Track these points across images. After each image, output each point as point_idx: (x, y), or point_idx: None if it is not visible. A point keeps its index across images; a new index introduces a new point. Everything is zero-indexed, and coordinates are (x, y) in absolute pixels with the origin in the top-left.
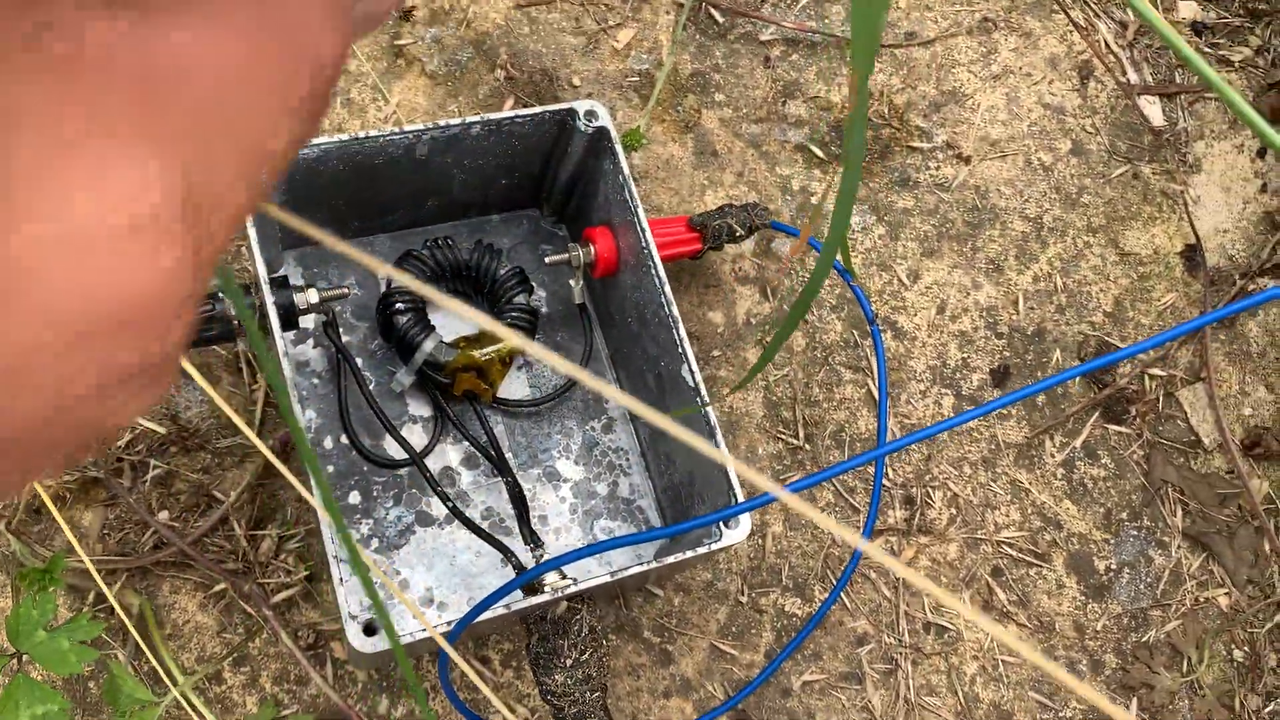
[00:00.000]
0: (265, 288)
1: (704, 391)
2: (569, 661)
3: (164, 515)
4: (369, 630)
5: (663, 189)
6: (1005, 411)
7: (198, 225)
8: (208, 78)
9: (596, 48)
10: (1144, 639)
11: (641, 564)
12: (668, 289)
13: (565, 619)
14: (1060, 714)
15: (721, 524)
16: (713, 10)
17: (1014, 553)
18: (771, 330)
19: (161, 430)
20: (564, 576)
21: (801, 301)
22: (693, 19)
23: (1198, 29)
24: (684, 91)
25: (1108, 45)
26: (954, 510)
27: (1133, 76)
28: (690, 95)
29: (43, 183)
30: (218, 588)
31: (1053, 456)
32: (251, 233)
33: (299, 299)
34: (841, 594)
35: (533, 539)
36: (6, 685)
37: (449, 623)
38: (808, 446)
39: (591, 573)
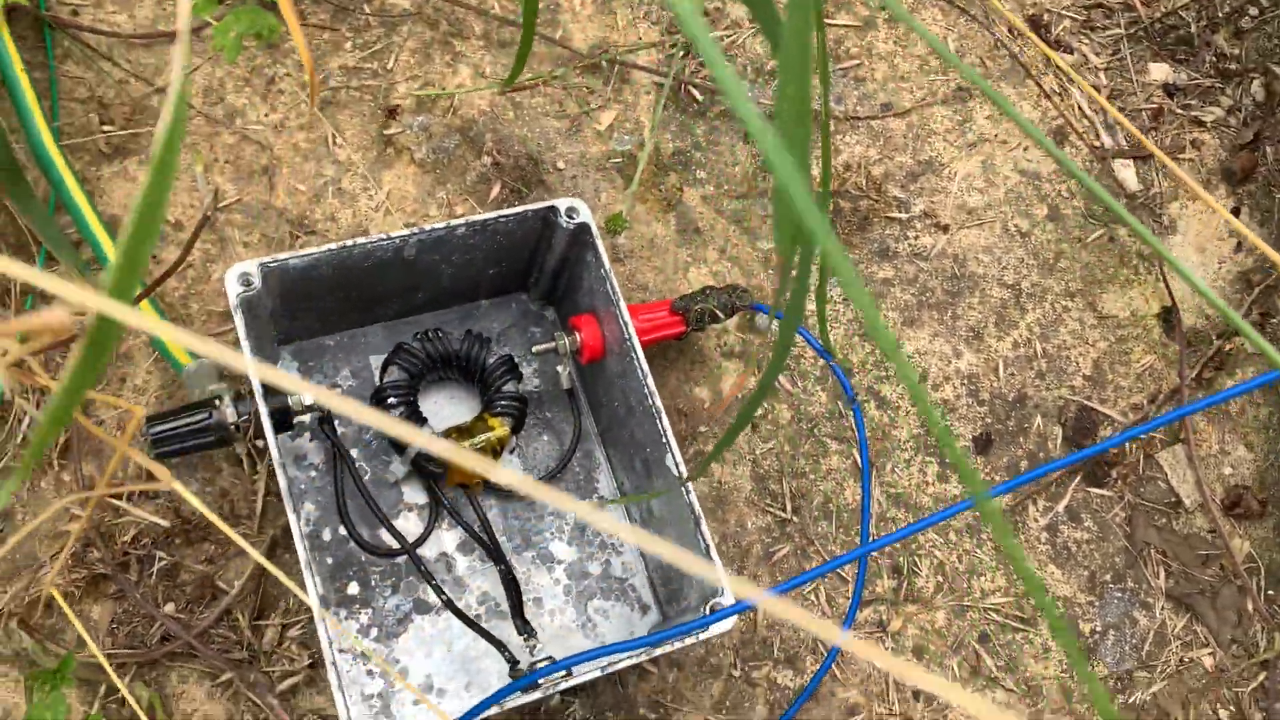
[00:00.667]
0: (259, 397)
1: (694, 499)
2: None
3: (170, 607)
4: None
5: (647, 267)
6: (989, 478)
7: None
8: None
9: (579, 130)
10: (1131, 700)
11: (631, 657)
12: (650, 381)
13: (559, 711)
14: None
15: (707, 613)
16: (692, 89)
17: (1000, 618)
18: (758, 405)
19: (165, 523)
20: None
21: (762, 384)
22: (672, 99)
23: (1169, 90)
24: (666, 170)
25: (1081, 110)
26: (941, 578)
27: (1106, 141)
28: (672, 174)
29: None
30: (224, 677)
31: (1036, 521)
32: (245, 342)
33: (293, 401)
34: (832, 665)
35: (525, 629)
36: None
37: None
38: (795, 519)
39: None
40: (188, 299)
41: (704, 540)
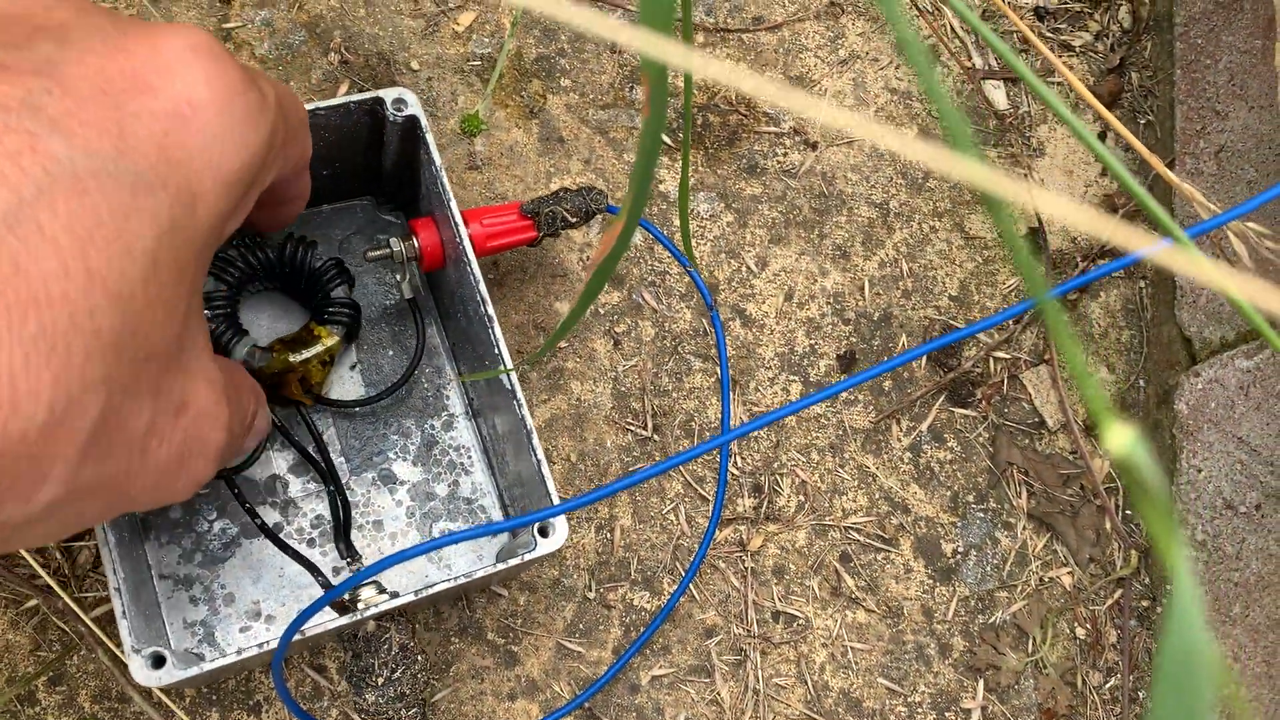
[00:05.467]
0: None
1: (519, 393)
2: (380, 680)
3: None
4: (157, 662)
5: (506, 176)
6: (852, 396)
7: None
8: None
9: (436, 30)
10: (991, 620)
11: (449, 580)
12: (482, 288)
13: (375, 636)
14: (909, 699)
15: (535, 532)
16: None
17: (862, 538)
18: (622, 319)
19: None
20: (381, 590)
21: (601, 270)
22: None
23: (1040, 14)
24: (529, 76)
25: (953, 30)
26: (802, 497)
27: (977, 61)
28: (535, 80)
29: None
30: (29, 603)
31: (900, 441)
32: None
33: None
34: (690, 586)
35: (349, 552)
36: None
37: (262, 645)
38: (656, 437)
39: (430, 578)
40: None
41: (535, 455)
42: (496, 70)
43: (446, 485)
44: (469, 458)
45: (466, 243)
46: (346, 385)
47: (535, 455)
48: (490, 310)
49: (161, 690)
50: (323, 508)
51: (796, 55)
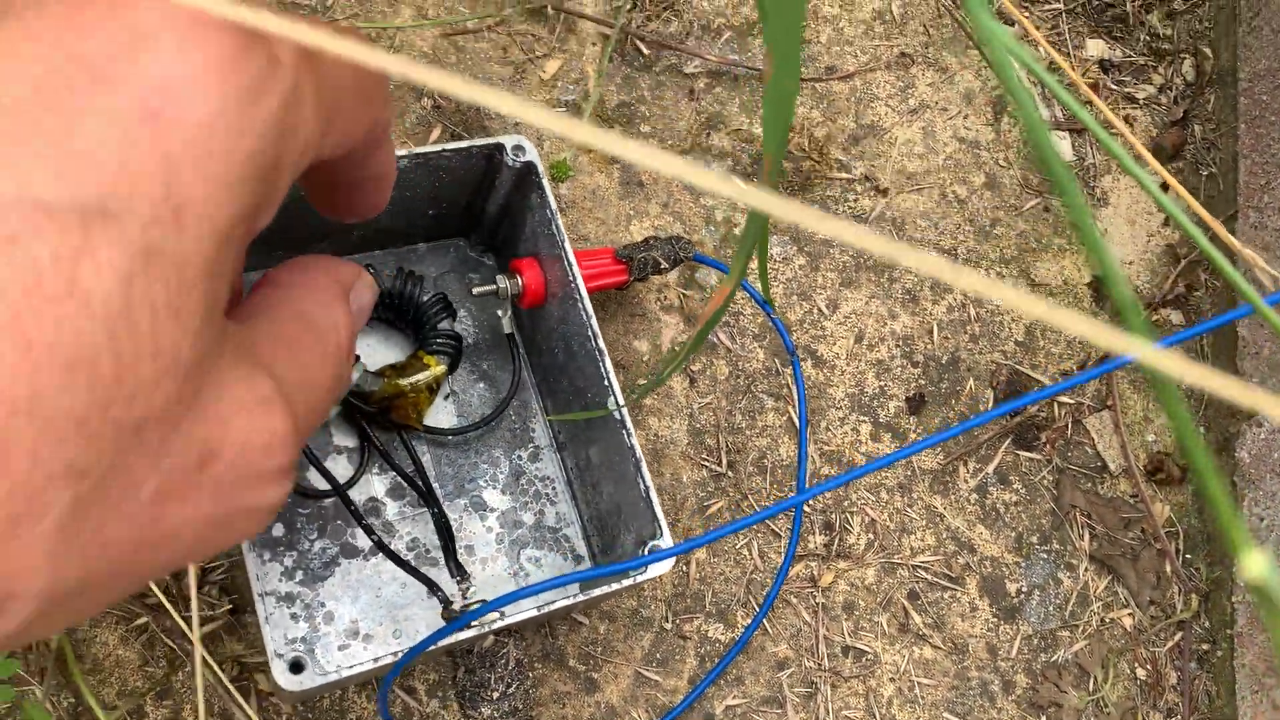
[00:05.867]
0: None
1: (629, 425)
2: (496, 694)
3: None
4: (295, 667)
5: (589, 218)
6: (920, 438)
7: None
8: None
9: (524, 78)
10: (1053, 659)
11: (568, 598)
12: (594, 323)
13: (492, 652)
14: None
15: (645, 555)
16: (639, 43)
17: (929, 576)
18: (697, 358)
19: None
20: (472, 626)
21: (711, 320)
22: (619, 51)
23: (1105, 66)
24: (610, 122)
25: (1020, 82)
26: (871, 535)
27: (1044, 113)
28: (617, 126)
29: None
30: (139, 621)
31: (966, 482)
32: None
33: None
34: (763, 619)
35: (459, 572)
36: None
37: (376, 659)
38: (730, 473)
39: (519, 606)
40: None
41: (644, 482)
42: (583, 119)
43: (533, 514)
44: (553, 488)
45: (580, 283)
46: (439, 415)
47: (644, 484)
48: (602, 345)
49: (286, 697)
50: (419, 530)
51: (868, 104)
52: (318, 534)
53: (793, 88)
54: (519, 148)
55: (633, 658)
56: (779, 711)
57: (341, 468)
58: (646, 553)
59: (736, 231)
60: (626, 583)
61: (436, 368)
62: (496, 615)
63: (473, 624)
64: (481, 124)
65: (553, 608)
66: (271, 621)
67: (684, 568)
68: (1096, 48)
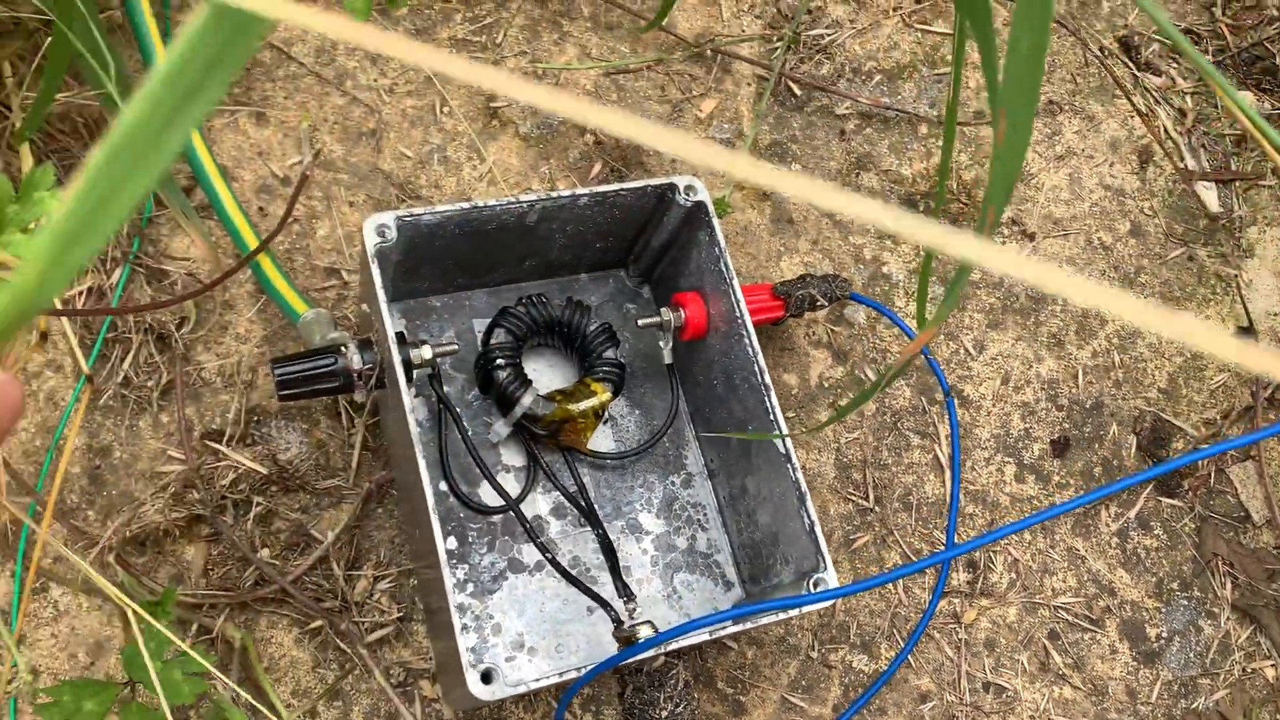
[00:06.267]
0: (393, 346)
1: (794, 458)
2: (664, 714)
3: (265, 553)
4: (486, 678)
5: (741, 253)
6: (1063, 480)
7: None
8: None
9: (680, 116)
10: (1193, 706)
11: (735, 625)
12: (760, 359)
13: (661, 672)
14: None
15: (811, 586)
16: (791, 84)
17: (1070, 617)
18: (845, 393)
19: (263, 470)
20: (655, 630)
21: (902, 366)
22: (772, 91)
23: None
24: (762, 160)
25: (1167, 131)
26: (1014, 575)
27: (1190, 163)
28: (768, 164)
29: None
30: (314, 624)
31: (1108, 526)
32: (380, 293)
33: (414, 355)
34: (909, 654)
35: (625, 592)
36: (120, 711)
37: (561, 673)
38: (877, 508)
39: (671, 624)
40: (292, 253)
41: (808, 516)
42: (744, 152)
43: (685, 539)
44: (705, 515)
45: (747, 319)
46: (597, 439)
47: (809, 518)
48: (768, 380)
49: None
50: (579, 549)
51: None
52: (487, 549)
53: (1022, 147)
54: (690, 187)
55: (779, 683)
56: None
57: (509, 486)
58: (812, 586)
59: (884, 270)
60: (793, 614)
61: (603, 394)
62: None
63: (640, 639)
64: (640, 160)
65: (724, 633)
66: (466, 636)
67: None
68: (1245, 99)
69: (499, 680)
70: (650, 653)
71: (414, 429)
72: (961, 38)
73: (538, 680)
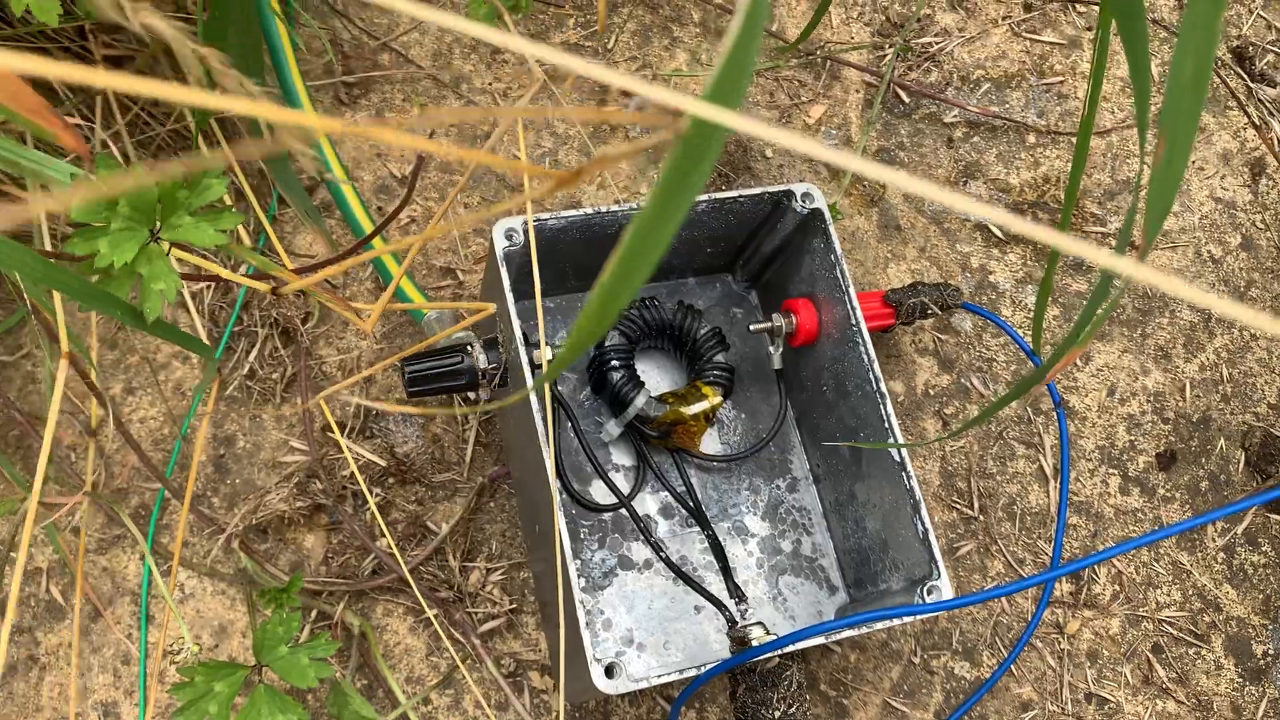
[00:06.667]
0: (521, 348)
1: (909, 466)
2: (777, 714)
3: (382, 543)
4: (610, 672)
5: (848, 260)
6: (1169, 494)
7: None
8: None
9: (789, 122)
10: None
11: (854, 630)
12: (876, 367)
13: (775, 673)
14: None
15: (924, 594)
16: (900, 91)
17: (1174, 631)
18: (950, 401)
19: (381, 463)
20: (768, 631)
21: (1018, 388)
22: (881, 98)
23: None
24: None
25: None
26: (1118, 587)
27: None
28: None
29: None
30: (429, 614)
31: (1214, 541)
32: (509, 295)
33: (535, 355)
34: (1012, 664)
35: (737, 593)
36: (250, 694)
37: (681, 670)
38: (981, 518)
39: (777, 626)
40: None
41: (922, 525)
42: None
43: (790, 542)
44: (809, 519)
45: (863, 327)
46: (704, 443)
47: (924, 526)
48: (884, 388)
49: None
50: (687, 549)
51: (1124, 160)
52: (598, 545)
53: (1180, 170)
54: (807, 195)
55: (881, 688)
56: None
57: (618, 486)
58: (925, 594)
59: (991, 279)
60: (897, 623)
61: (714, 398)
62: (771, 638)
63: (752, 640)
64: (747, 165)
65: (839, 636)
66: (591, 630)
67: None
68: None
69: (621, 675)
70: (765, 654)
71: (540, 427)
72: (1103, 50)
73: (660, 676)
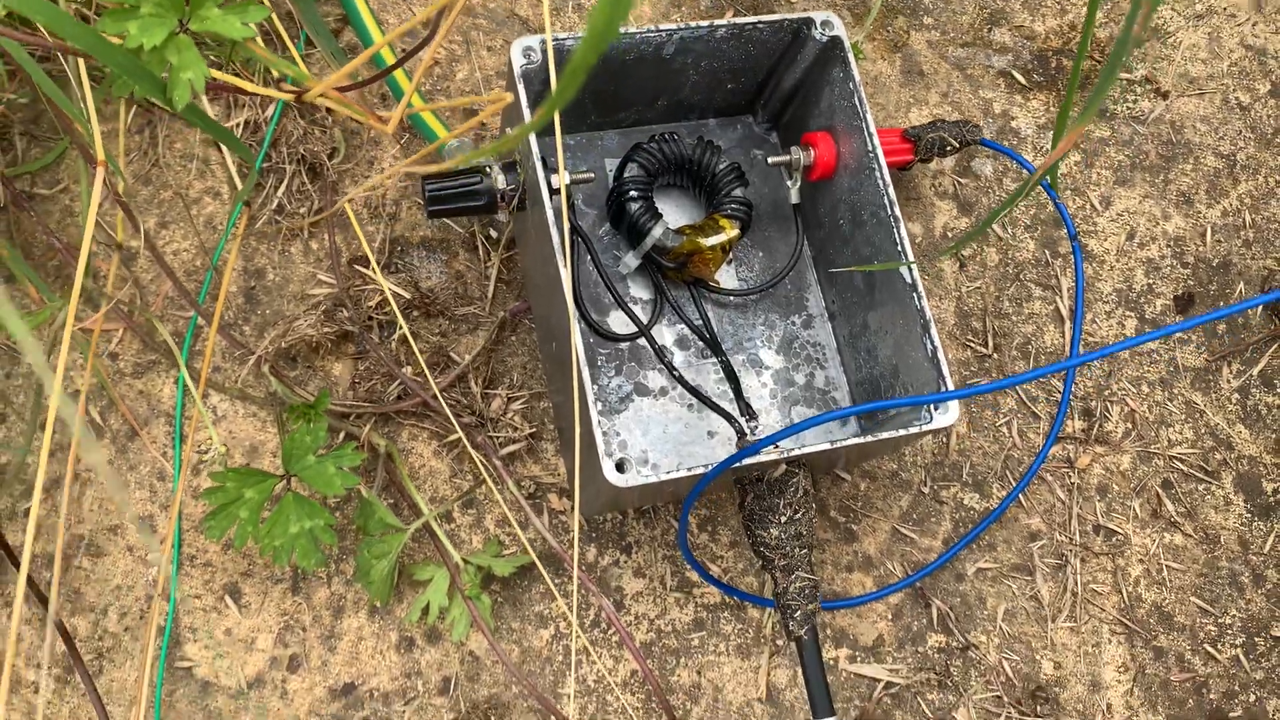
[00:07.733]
0: (537, 161)
1: (920, 286)
2: (783, 519)
3: (407, 370)
4: (620, 468)
5: (871, 104)
6: (1185, 336)
7: None
8: None
9: None
10: None
11: (861, 438)
12: (891, 190)
13: (782, 480)
14: (1220, 620)
15: (931, 408)
16: None
17: (1185, 468)
18: (968, 244)
19: (406, 295)
20: (777, 447)
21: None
22: None
23: None
24: (895, 12)
25: None
26: (1130, 425)
27: None
28: (900, 16)
29: None
30: (452, 437)
31: (1229, 382)
32: (526, 114)
33: (553, 180)
34: (1020, 494)
35: (747, 411)
36: (279, 500)
37: (690, 469)
38: (995, 355)
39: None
40: (433, 95)
41: (931, 343)
42: (874, 7)
43: (804, 375)
44: (824, 354)
45: (879, 151)
46: (720, 278)
47: (932, 343)
48: (898, 212)
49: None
50: (702, 379)
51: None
52: (615, 373)
53: None
54: (827, 22)
55: (890, 515)
56: (1028, 578)
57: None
58: (932, 409)
59: (1013, 124)
60: (913, 430)
61: (731, 230)
62: (793, 443)
63: (774, 446)
64: (770, 7)
65: (845, 444)
66: (601, 427)
67: (944, 439)
68: None
69: (631, 470)
70: (772, 456)
71: (556, 239)
72: None
73: (669, 473)
